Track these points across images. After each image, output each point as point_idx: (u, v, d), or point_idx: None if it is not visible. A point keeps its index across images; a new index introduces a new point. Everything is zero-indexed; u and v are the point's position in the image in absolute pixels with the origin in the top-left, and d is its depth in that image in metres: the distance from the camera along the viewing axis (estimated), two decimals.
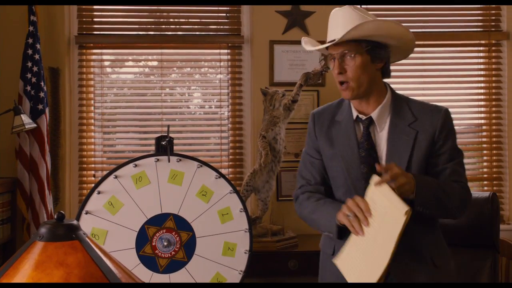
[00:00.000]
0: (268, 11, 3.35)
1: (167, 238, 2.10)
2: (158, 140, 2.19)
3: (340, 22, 1.74)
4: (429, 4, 3.46)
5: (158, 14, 3.44)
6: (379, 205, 1.60)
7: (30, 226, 3.01)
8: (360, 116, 1.80)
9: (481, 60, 3.53)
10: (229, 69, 3.45)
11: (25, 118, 2.84)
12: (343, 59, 1.73)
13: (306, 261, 2.79)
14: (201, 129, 3.50)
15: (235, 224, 2.16)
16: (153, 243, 2.10)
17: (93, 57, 3.43)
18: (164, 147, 2.16)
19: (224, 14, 3.44)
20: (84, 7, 3.39)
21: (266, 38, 3.36)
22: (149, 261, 2.09)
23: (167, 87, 3.48)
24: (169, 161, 2.14)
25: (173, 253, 2.11)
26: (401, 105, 1.80)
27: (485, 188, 3.50)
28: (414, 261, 1.73)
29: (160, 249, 2.10)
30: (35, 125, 2.93)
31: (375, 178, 1.63)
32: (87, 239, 0.93)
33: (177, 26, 3.45)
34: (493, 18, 3.51)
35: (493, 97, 3.51)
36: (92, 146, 3.39)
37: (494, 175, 3.51)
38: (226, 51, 3.44)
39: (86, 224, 2.06)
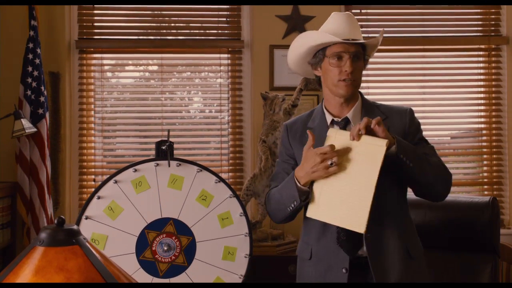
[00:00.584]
0: (268, 15, 3.36)
1: (167, 243, 2.10)
2: (158, 144, 2.19)
3: (352, 25, 1.84)
4: (428, 4, 3.46)
5: (158, 18, 3.45)
6: (346, 150, 1.66)
7: (30, 230, 3.00)
8: (336, 119, 1.89)
9: (481, 65, 3.54)
10: (229, 73, 3.45)
11: (26, 123, 2.85)
12: (354, 58, 1.81)
13: None
14: (201, 134, 3.50)
15: (235, 228, 2.16)
16: (153, 248, 2.09)
17: (94, 61, 3.43)
18: (164, 151, 2.16)
19: (224, 19, 3.45)
20: (84, 11, 3.40)
21: (266, 42, 3.36)
22: (149, 266, 2.09)
23: (167, 92, 3.49)
24: (169, 166, 2.14)
25: (173, 257, 2.10)
26: (371, 107, 1.92)
27: (485, 192, 3.50)
28: (389, 249, 1.78)
29: (160, 254, 2.10)
30: (35, 129, 2.93)
31: (334, 130, 1.74)
32: (87, 244, 0.93)
33: (177, 31, 3.46)
34: (493, 23, 3.52)
35: (493, 101, 3.51)
36: (92, 151, 3.40)
37: (494, 180, 3.50)
38: (226, 55, 3.45)
39: (86, 229, 2.06)
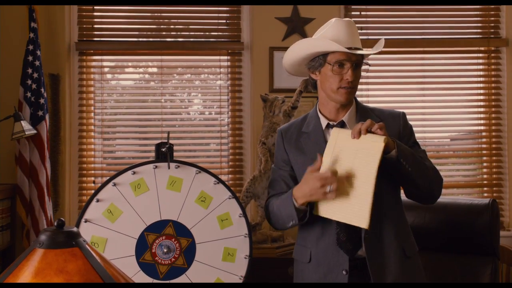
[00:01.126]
0: (268, 17, 3.36)
1: (167, 245, 2.10)
2: (158, 146, 2.19)
3: (353, 33, 1.85)
4: (428, 4, 3.47)
5: (158, 20, 3.45)
6: (348, 147, 1.70)
7: (29, 232, 3.00)
8: (332, 122, 1.90)
9: (481, 67, 3.54)
10: (229, 75, 3.46)
11: (25, 125, 2.85)
12: (356, 67, 1.83)
13: None
14: (201, 135, 3.50)
15: (235, 229, 2.15)
16: (153, 250, 2.09)
17: (93, 63, 3.44)
18: (164, 153, 2.16)
19: (224, 21, 3.45)
20: (84, 13, 3.40)
21: (266, 44, 3.37)
22: (149, 268, 2.08)
23: (167, 93, 3.49)
24: (169, 168, 2.14)
25: (173, 259, 2.10)
26: (365, 110, 1.94)
27: (485, 194, 3.50)
28: (386, 249, 1.80)
29: (160, 256, 2.09)
30: (35, 131, 2.93)
31: (337, 129, 1.78)
32: (87, 246, 0.93)
33: (177, 33, 3.46)
34: (492, 25, 3.52)
35: (493, 103, 3.51)
36: (92, 153, 3.40)
37: (494, 182, 3.51)
38: (226, 57, 3.45)
39: (86, 233, 2.06)
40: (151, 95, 3.48)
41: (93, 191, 2.15)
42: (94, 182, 3.38)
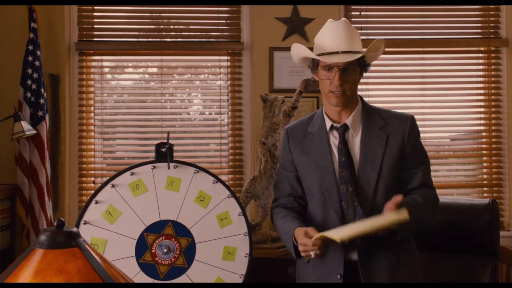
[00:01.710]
0: (268, 17, 3.36)
1: (167, 245, 2.10)
2: (158, 146, 2.19)
3: (346, 35, 1.82)
4: (427, 4, 3.47)
5: (158, 20, 3.45)
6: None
7: (29, 233, 3.00)
8: (335, 124, 1.91)
9: (480, 67, 3.54)
10: (229, 75, 3.45)
11: (25, 125, 2.84)
12: (344, 71, 1.81)
13: None
14: (201, 136, 3.50)
15: (234, 228, 2.16)
16: (153, 251, 2.09)
17: (93, 63, 3.43)
18: (164, 153, 2.16)
19: (224, 21, 3.45)
20: (84, 13, 3.40)
21: (266, 44, 3.37)
22: (150, 269, 2.08)
23: (167, 94, 3.49)
24: (169, 168, 2.14)
25: (173, 259, 2.10)
26: (371, 112, 1.93)
27: (485, 194, 3.50)
28: (378, 256, 1.83)
29: (160, 256, 2.09)
30: (35, 131, 2.93)
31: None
32: (87, 246, 0.93)
33: (177, 33, 3.46)
34: (492, 25, 3.52)
35: (493, 103, 3.51)
36: (92, 153, 3.40)
37: (494, 182, 3.50)
38: (226, 57, 3.45)
39: (85, 234, 2.05)
40: (151, 95, 3.48)
41: (93, 191, 2.15)
42: (94, 182, 3.38)
